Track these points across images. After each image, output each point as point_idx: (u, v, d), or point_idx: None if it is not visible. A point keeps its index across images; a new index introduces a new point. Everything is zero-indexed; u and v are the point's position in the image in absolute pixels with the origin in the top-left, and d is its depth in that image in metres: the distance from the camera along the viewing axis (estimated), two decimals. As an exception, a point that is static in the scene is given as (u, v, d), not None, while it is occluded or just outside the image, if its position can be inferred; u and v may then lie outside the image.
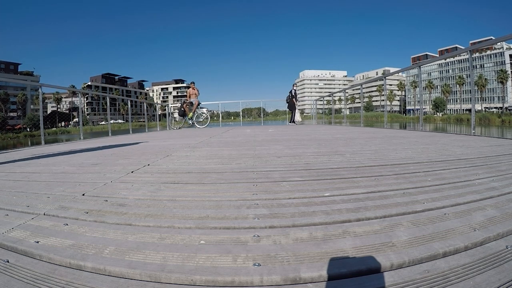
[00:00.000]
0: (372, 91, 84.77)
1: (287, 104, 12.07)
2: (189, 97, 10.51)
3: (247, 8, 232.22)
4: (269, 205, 1.13)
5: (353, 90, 76.48)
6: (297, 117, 11.64)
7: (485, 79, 64.73)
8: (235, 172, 1.80)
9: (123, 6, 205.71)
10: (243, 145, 3.43)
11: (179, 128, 11.17)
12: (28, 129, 54.74)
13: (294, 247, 0.79)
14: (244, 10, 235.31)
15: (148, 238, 0.87)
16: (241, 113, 15.09)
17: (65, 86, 10.81)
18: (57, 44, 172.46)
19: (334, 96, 13.73)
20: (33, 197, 1.38)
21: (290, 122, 11.91)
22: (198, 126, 10.53)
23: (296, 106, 11.67)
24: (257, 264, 0.71)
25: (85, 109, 79.36)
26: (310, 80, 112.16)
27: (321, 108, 14.75)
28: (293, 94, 11.67)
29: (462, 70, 70.68)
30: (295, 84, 12.01)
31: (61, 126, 66.43)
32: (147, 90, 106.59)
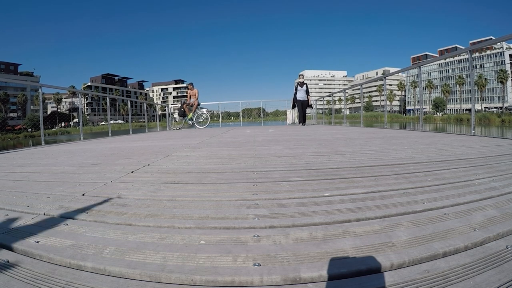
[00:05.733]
0: (372, 91, 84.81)
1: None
2: (189, 97, 10.52)
3: (247, 9, 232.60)
4: (269, 205, 1.13)
5: (353, 90, 76.51)
6: (289, 118, 10.49)
7: (485, 79, 64.77)
8: (235, 172, 1.80)
9: (123, 6, 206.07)
10: (243, 145, 3.43)
11: (179, 128, 11.17)
12: (28, 130, 54.75)
13: (294, 247, 0.79)
14: (244, 11, 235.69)
15: (148, 238, 0.87)
16: (241, 114, 15.07)
17: (65, 86, 10.82)
18: (57, 44, 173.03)
19: (334, 96, 13.70)
20: (33, 197, 1.38)
21: (300, 123, 9.82)
22: (198, 126, 10.54)
23: (291, 105, 9.89)
24: (257, 264, 0.71)
25: (85, 110, 79.35)
26: (310, 80, 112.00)
27: (321, 108, 14.75)
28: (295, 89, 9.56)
29: (462, 70, 70.72)
30: (300, 76, 9.63)
31: (61, 126, 66.44)
32: (147, 90, 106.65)
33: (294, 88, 9.52)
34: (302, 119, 9.58)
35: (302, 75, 9.59)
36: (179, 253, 0.77)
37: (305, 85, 9.43)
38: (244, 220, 0.99)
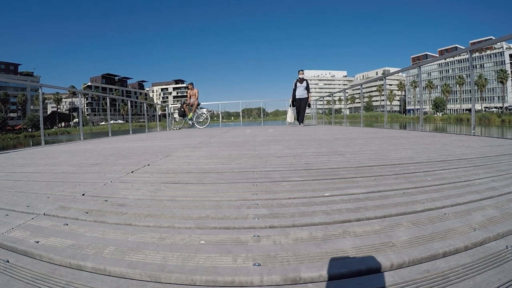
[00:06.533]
0: (372, 91, 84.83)
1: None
2: (189, 97, 10.52)
3: (247, 8, 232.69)
4: (269, 205, 1.13)
5: (353, 90, 76.52)
6: (288, 117, 9.41)
7: (485, 79, 64.80)
8: (235, 172, 1.80)
9: (123, 6, 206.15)
10: (243, 145, 3.43)
11: (179, 128, 11.17)
12: (28, 130, 54.79)
13: (294, 247, 0.79)
14: (244, 10, 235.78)
15: (148, 238, 0.87)
16: (241, 114, 15.07)
17: (65, 86, 10.82)
18: (57, 44, 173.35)
19: (334, 96, 13.70)
20: (33, 197, 1.38)
21: (299, 123, 9.14)
22: (198, 126, 10.54)
23: (290, 103, 9.15)
24: (257, 264, 0.71)
25: (85, 110, 79.37)
26: (310, 80, 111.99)
27: (321, 108, 14.75)
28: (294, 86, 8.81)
29: (462, 70, 70.74)
30: (300, 71, 8.76)
31: (61, 126, 66.48)
32: (147, 90, 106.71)
33: (293, 85, 8.76)
34: (301, 118, 8.89)
35: (302, 71, 8.75)
36: (179, 253, 0.77)
37: (305, 82, 8.68)
38: (244, 220, 0.99)
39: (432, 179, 1.44)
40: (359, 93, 12.70)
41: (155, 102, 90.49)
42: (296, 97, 8.75)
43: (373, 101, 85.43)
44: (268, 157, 2.38)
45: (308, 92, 8.78)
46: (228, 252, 0.77)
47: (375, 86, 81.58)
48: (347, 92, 14.25)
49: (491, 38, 48.00)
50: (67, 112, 74.25)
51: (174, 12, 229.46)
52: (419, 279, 0.64)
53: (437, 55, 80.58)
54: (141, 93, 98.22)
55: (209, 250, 0.79)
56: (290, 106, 9.24)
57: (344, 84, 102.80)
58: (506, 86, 62.10)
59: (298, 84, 8.72)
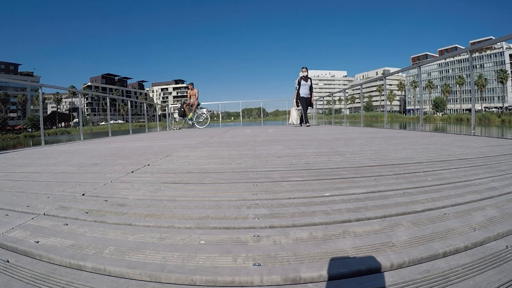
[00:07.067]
0: (372, 91, 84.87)
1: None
2: (189, 98, 10.53)
3: (247, 8, 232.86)
4: (269, 205, 1.13)
5: (353, 90, 76.47)
6: (292, 117, 8.75)
7: (485, 79, 64.84)
8: (235, 172, 1.80)
9: (123, 6, 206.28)
10: (243, 145, 3.43)
11: (179, 128, 11.18)
12: (28, 130, 54.82)
13: (294, 247, 0.79)
14: (244, 10, 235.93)
15: (148, 238, 0.87)
16: (241, 114, 15.08)
17: (65, 86, 10.83)
18: (57, 44, 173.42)
19: (334, 96, 13.70)
20: (33, 197, 1.38)
21: (301, 123, 8.54)
22: (198, 126, 10.54)
23: (294, 102, 8.51)
24: (257, 264, 0.71)
25: (85, 110, 79.39)
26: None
27: (321, 108, 14.75)
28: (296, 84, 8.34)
29: (462, 70, 70.78)
30: (303, 69, 8.33)
31: (61, 126, 66.53)
32: (147, 90, 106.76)
33: (297, 83, 8.22)
34: (305, 118, 8.30)
35: (306, 68, 8.30)
36: (179, 253, 0.77)
37: (309, 80, 8.22)
38: (244, 220, 0.99)
39: (432, 179, 1.44)
40: (359, 93, 12.68)
41: (155, 102, 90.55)
42: (300, 96, 8.23)
43: (373, 101, 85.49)
44: (268, 157, 2.38)
45: (311, 91, 8.40)
46: (228, 252, 0.77)
47: (375, 86, 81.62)
48: (347, 92, 14.25)
49: (491, 38, 48.05)
50: (67, 112, 74.31)
51: (174, 12, 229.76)
52: (419, 279, 0.64)
53: (437, 55, 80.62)
54: (141, 93, 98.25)
55: (209, 250, 0.79)
56: (294, 106, 8.56)
57: (344, 84, 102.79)
58: (506, 86, 62.13)
59: (302, 82, 8.23)
